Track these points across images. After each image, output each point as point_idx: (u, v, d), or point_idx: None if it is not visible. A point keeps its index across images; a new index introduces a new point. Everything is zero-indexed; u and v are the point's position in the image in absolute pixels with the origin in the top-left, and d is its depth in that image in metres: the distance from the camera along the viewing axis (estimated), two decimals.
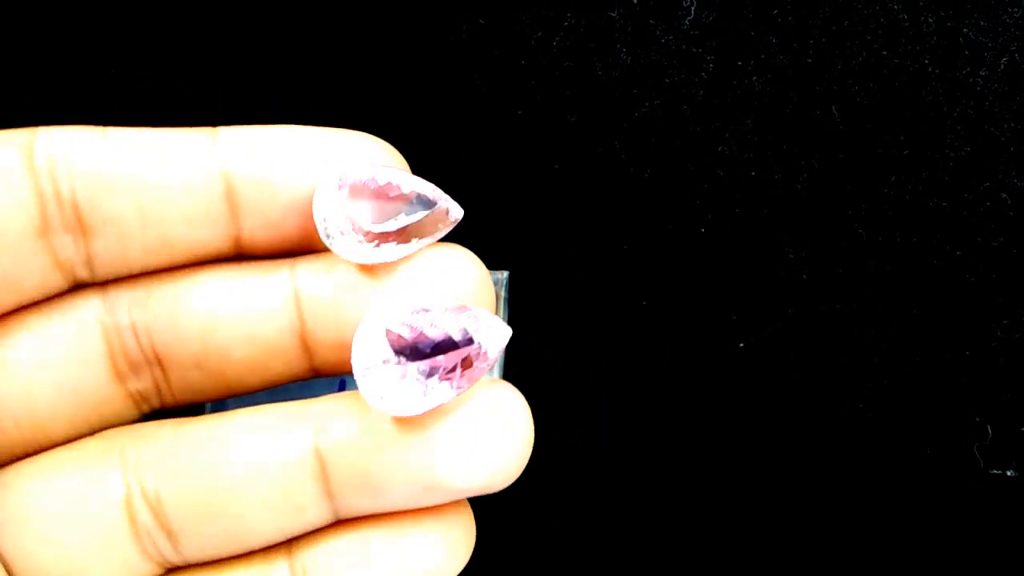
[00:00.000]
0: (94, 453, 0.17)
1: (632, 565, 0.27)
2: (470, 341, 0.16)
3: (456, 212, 0.17)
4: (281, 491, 0.16)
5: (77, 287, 0.17)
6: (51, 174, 0.16)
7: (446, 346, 0.16)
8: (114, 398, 0.17)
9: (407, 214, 0.17)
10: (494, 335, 0.16)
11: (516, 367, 0.25)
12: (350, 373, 0.17)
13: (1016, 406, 0.26)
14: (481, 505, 0.19)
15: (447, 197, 0.17)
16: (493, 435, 0.16)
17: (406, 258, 0.17)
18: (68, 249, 0.16)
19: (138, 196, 0.16)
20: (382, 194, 0.17)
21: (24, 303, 0.16)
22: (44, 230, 0.16)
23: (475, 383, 0.17)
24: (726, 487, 0.27)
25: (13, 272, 0.16)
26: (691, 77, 0.25)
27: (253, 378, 0.17)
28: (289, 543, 0.17)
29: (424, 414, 0.16)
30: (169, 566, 0.17)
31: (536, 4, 0.25)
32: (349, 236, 0.17)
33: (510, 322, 0.24)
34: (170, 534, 0.17)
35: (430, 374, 0.16)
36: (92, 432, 0.17)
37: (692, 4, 0.25)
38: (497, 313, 0.21)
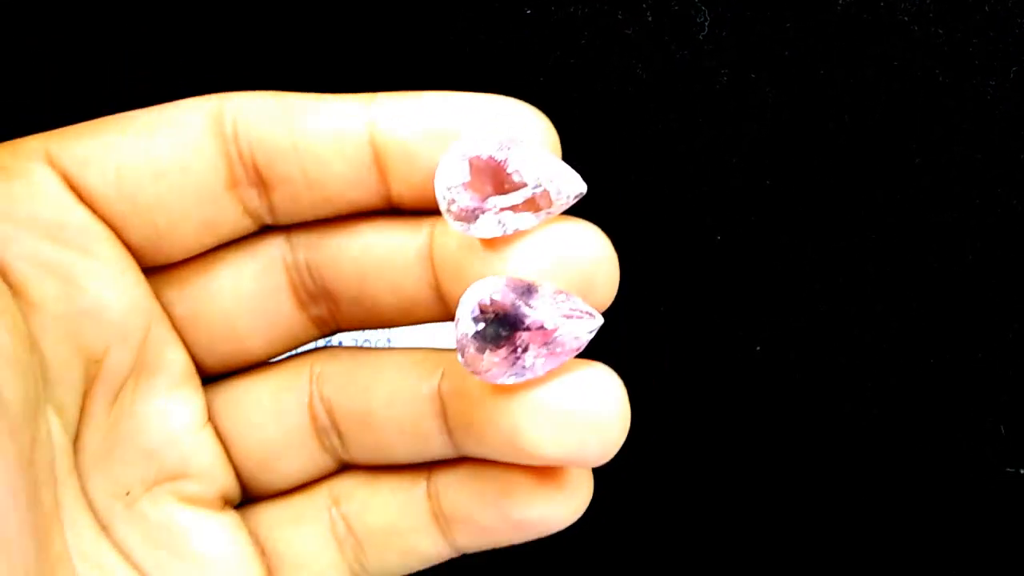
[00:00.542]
0: (292, 365, 0.20)
1: (632, 565, 0.27)
2: (554, 328, 0.17)
3: (580, 186, 0.17)
4: (411, 420, 0.19)
5: (265, 229, 0.19)
6: (235, 139, 0.18)
7: (533, 327, 0.17)
8: (299, 322, 0.20)
9: (527, 189, 0.17)
10: (583, 325, 0.17)
11: None
12: None
13: (1019, 405, 0.26)
14: None
15: (569, 171, 0.17)
16: (579, 409, 0.17)
17: (526, 231, 0.17)
18: (254, 200, 0.19)
19: (302, 161, 0.18)
20: (501, 169, 0.17)
21: (222, 242, 0.19)
22: (233, 184, 0.18)
23: (563, 362, 0.17)
24: (726, 487, 0.27)
25: (212, 218, 0.19)
26: (706, 90, 0.26)
27: (404, 319, 0.19)
28: (430, 467, 0.20)
29: (521, 383, 0.17)
30: (342, 462, 0.20)
31: (553, 23, 0.26)
32: (468, 211, 0.17)
33: None
34: (340, 435, 0.20)
35: (511, 350, 0.17)
36: (287, 350, 0.20)
37: (706, 20, 0.26)
38: None
